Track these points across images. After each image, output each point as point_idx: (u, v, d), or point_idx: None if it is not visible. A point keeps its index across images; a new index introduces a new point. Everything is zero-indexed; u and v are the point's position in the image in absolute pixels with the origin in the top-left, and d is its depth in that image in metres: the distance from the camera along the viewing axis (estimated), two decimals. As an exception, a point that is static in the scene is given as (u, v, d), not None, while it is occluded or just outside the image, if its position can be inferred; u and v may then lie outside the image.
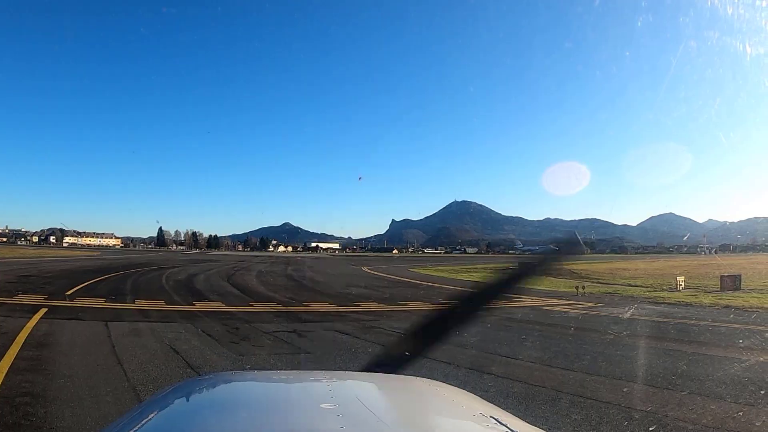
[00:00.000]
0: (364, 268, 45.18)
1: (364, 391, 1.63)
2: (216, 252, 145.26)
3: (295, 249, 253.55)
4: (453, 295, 17.76)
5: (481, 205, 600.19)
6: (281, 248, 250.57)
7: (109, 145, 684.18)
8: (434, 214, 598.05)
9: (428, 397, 1.64)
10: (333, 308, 14.75)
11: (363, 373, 2.20)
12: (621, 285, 24.77)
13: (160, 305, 13.85)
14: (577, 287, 19.90)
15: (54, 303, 12.92)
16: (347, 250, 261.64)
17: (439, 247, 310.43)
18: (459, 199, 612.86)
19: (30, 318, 10.16)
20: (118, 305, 13.41)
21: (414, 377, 1.94)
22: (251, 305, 14.95)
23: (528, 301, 15.40)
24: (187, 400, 1.50)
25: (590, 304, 16.41)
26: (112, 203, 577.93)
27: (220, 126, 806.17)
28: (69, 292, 15.57)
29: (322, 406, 1.25)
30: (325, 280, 27.97)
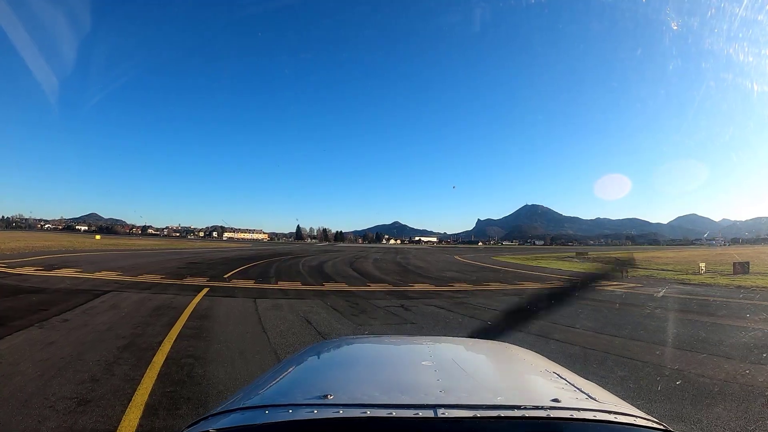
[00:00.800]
0: (456, 257, 50.41)
1: (455, 351, 2.09)
2: (341, 244, 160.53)
3: (402, 242, 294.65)
4: (525, 277, 22.29)
5: (546, 207, 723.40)
6: (392, 241, 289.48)
7: (260, 159, 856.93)
8: (510, 215, 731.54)
9: (504, 356, 2.08)
10: (432, 288, 16.59)
11: (454, 338, 2.85)
12: (655, 270, 27.76)
13: (297, 285, 15.68)
14: (621, 270, 24.24)
15: (214, 284, 14.82)
16: (443, 243, 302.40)
17: (514, 241, 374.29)
18: (530, 203, 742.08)
19: (195, 296, 11.66)
20: (264, 285, 15.25)
21: (493, 341, 2.64)
22: (368, 285, 16.85)
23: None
24: (318, 359, 1.93)
25: (632, 285, 18.40)
26: (261, 204, 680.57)
27: (344, 142, 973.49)
28: (226, 275, 18.27)
29: (423, 363, 1.63)
30: (425, 266, 30.71)
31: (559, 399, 1.21)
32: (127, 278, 15.34)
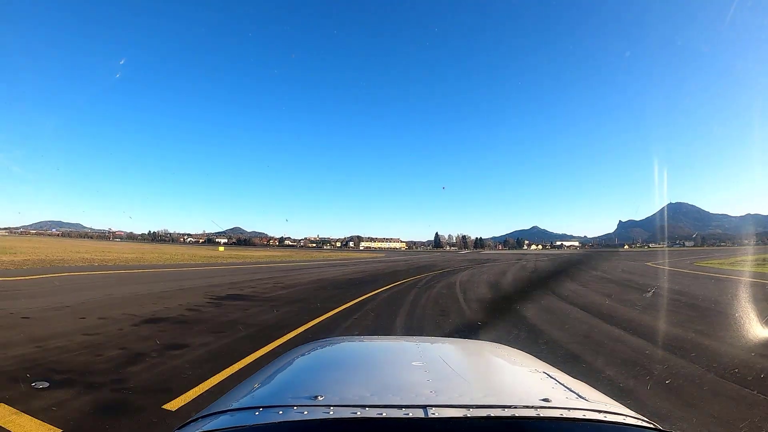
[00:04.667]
0: (648, 263, 38.62)
1: (445, 351, 2.08)
2: (485, 251, 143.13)
3: (544, 247, 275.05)
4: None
5: (691, 205, 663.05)
6: (533, 247, 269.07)
7: (396, 168, 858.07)
8: (653, 215, 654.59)
9: (494, 356, 2.15)
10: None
11: (444, 338, 2.87)
12: None
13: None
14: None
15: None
16: (586, 247, 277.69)
17: (661, 243, 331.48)
18: (673, 201, 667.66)
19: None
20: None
21: (484, 342, 2.85)
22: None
23: None
24: (308, 359, 1.91)
25: None
26: (399, 213, 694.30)
27: (482, 147, 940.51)
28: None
29: (413, 363, 1.61)
30: (648, 282, 19.81)
31: (550, 398, 1.20)
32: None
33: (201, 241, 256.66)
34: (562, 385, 1.45)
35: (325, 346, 2.21)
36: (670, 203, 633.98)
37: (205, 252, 62.46)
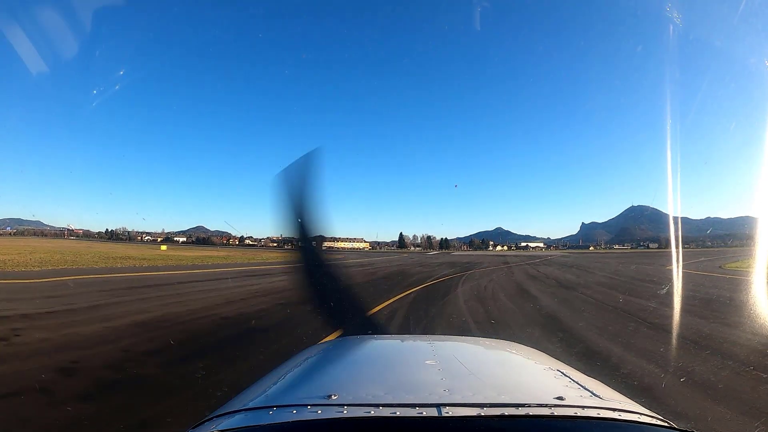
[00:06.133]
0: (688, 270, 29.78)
1: (459, 350, 2.09)
2: (454, 252, 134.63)
3: (509, 248, 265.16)
4: None
5: (653, 208, 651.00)
6: (498, 248, 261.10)
7: (358, 171, 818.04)
8: (615, 217, 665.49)
9: (508, 354, 2.12)
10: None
11: (457, 336, 3.21)
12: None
13: None
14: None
15: None
16: (551, 248, 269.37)
17: (626, 244, 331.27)
18: (635, 204, 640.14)
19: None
20: None
21: (497, 340, 2.61)
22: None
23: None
24: (322, 358, 1.93)
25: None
26: (363, 214, 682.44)
27: (448, 148, 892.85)
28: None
29: (427, 362, 1.60)
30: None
31: (564, 397, 1.19)
32: None
33: (159, 239, 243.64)
34: (576, 383, 1.45)
35: (338, 345, 2.25)
36: (633, 206, 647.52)
37: (138, 251, 52.62)
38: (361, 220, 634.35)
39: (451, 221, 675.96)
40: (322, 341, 2.52)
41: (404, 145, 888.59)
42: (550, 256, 79.20)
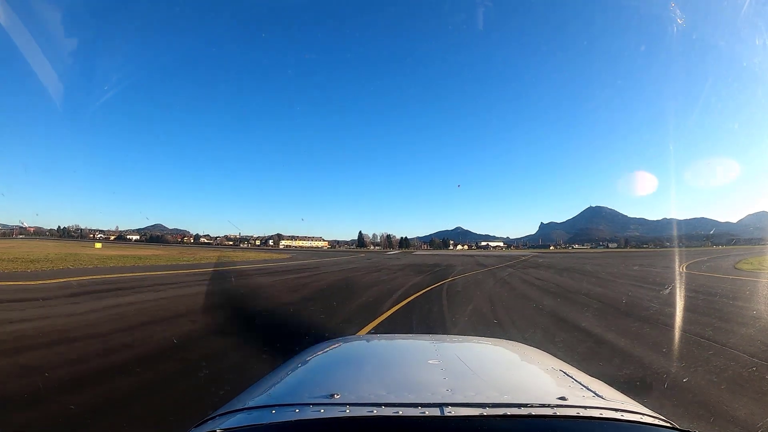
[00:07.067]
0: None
1: (461, 350, 2.05)
2: (415, 252, 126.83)
3: (470, 247, 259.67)
4: None
5: (611, 209, 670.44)
6: (459, 247, 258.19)
7: (320, 170, 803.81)
8: (574, 217, 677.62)
9: (510, 354, 2.10)
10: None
11: (460, 336, 3.05)
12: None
13: None
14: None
15: None
16: (511, 248, 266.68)
17: (586, 244, 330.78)
18: (593, 204, 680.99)
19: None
20: None
21: (500, 340, 2.52)
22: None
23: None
24: (324, 358, 1.86)
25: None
26: (323, 212, 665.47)
27: (405, 148, 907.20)
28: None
29: (429, 361, 1.60)
30: None
31: (566, 397, 1.18)
32: None
33: (112, 237, 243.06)
34: (579, 383, 1.43)
35: (341, 345, 2.15)
36: (591, 207, 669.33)
37: (66, 249, 46.15)
38: (321, 218, 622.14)
39: (411, 220, 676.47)
40: (324, 341, 1.79)
41: (366, 144, 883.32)
42: (523, 256, 70.94)
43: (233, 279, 19.66)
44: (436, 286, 16.75)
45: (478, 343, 2.47)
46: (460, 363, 1.64)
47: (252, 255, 52.66)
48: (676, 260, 45.00)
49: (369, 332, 7.85)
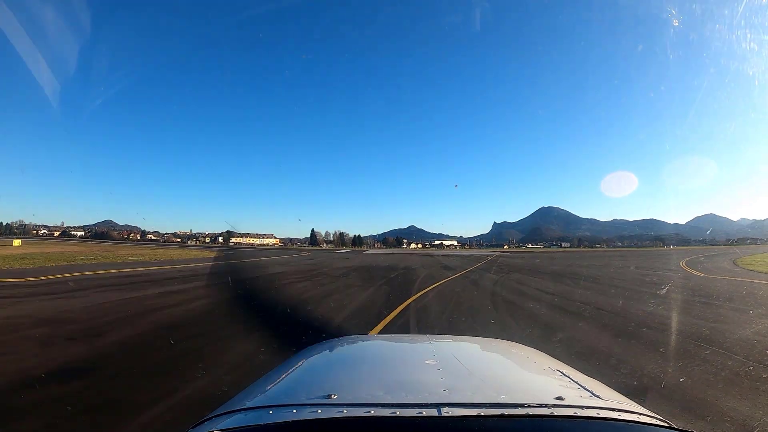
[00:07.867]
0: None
1: (458, 350, 2.01)
2: (368, 250, 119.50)
3: (424, 246, 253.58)
4: None
5: (562, 209, 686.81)
6: (413, 245, 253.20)
7: (271, 163, 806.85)
8: (527, 217, 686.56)
9: (507, 354, 2.06)
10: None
11: (457, 336, 2.97)
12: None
13: None
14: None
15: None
16: (465, 246, 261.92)
17: (539, 243, 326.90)
18: (546, 205, 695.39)
19: None
20: None
21: (497, 340, 2.47)
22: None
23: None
24: (321, 358, 1.86)
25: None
26: (275, 210, 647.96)
27: (356, 145, 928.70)
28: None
29: (426, 362, 1.57)
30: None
31: (563, 397, 1.17)
32: None
33: (56, 234, 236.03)
34: (576, 383, 1.42)
35: (338, 345, 2.14)
36: (543, 207, 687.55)
37: None
38: (275, 216, 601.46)
39: (365, 219, 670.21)
40: (322, 341, 1.81)
41: (322, 143, 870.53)
42: (489, 255, 62.35)
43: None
44: (398, 312, 9.29)
45: (475, 343, 2.43)
46: (457, 363, 1.64)
47: (177, 254, 42.83)
48: (674, 259, 41.09)
49: None
